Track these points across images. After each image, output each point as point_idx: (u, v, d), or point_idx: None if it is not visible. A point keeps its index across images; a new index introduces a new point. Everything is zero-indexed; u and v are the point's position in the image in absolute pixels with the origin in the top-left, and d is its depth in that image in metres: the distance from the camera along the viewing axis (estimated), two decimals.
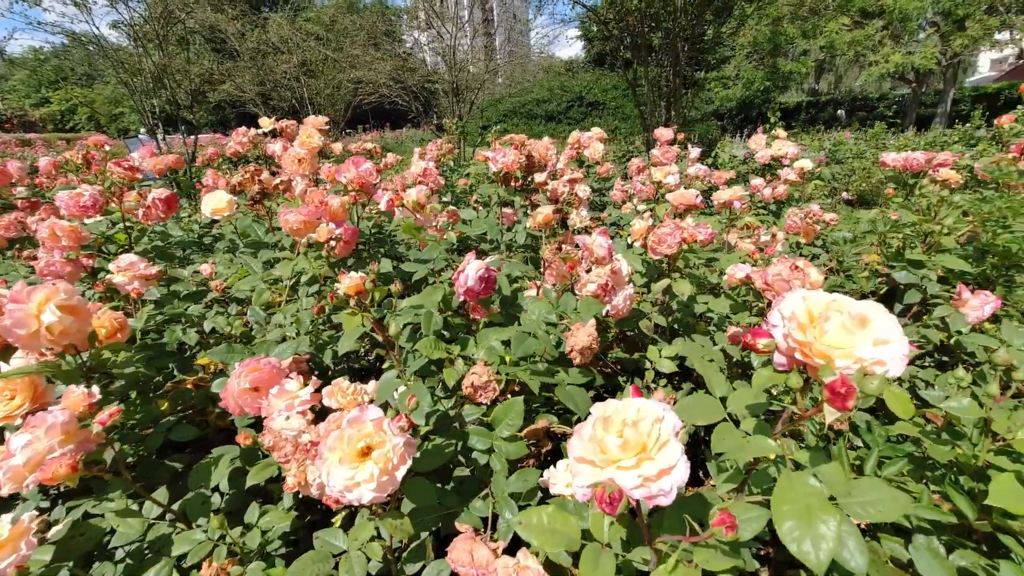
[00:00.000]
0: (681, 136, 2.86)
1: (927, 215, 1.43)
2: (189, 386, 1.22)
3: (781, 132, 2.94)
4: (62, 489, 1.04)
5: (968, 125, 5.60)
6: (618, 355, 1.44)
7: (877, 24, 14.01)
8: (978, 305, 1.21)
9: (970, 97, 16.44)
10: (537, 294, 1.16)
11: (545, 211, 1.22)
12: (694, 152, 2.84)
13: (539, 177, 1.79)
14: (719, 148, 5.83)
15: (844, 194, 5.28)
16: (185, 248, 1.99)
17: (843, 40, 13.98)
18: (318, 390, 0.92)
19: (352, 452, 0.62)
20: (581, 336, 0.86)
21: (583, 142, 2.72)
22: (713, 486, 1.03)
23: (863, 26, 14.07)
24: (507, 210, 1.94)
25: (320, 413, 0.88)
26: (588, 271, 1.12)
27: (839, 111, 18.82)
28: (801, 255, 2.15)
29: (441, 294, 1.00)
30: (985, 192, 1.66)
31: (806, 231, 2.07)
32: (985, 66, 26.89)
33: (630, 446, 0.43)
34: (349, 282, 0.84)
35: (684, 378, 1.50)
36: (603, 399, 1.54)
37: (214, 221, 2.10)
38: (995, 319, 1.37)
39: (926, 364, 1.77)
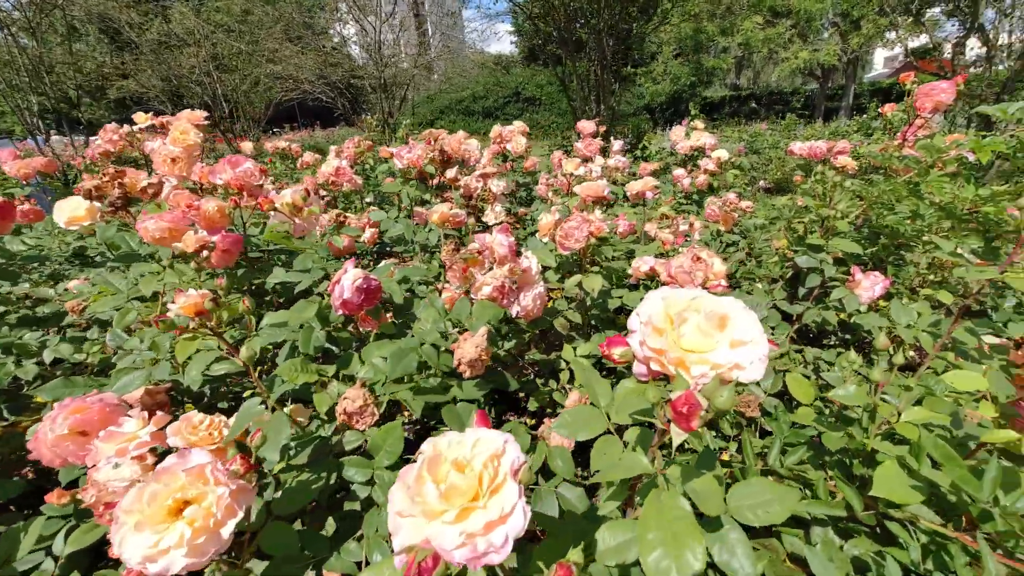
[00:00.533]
0: (603, 129, 2.87)
1: (823, 200, 1.47)
2: (26, 429, 1.03)
3: (699, 124, 3.01)
4: None
5: (865, 116, 6.09)
6: (534, 356, 1.38)
7: (786, 23, 15.06)
8: (869, 286, 1.25)
9: (868, 91, 18.03)
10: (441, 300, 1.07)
11: (441, 208, 1.13)
12: (616, 144, 2.86)
13: (450, 173, 1.69)
14: (647, 140, 6.00)
15: (762, 182, 5.57)
16: (61, 263, 1.74)
17: (757, 38, 14.92)
18: (164, 427, 0.78)
19: (159, 512, 0.50)
20: (467, 348, 0.78)
21: (505, 136, 2.64)
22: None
23: (774, 25, 15.07)
24: (420, 209, 1.84)
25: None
26: (488, 271, 1.04)
27: (755, 104, 20.08)
28: (721, 242, 2.21)
29: (316, 308, 0.88)
30: (874, 177, 1.75)
31: (724, 219, 2.12)
32: (880, 63, 29.65)
33: (456, 493, 0.35)
34: (185, 301, 0.71)
35: (605, 375, 1.47)
36: (518, 405, 1.44)
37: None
38: (889, 297, 1.43)
39: (832, 343, 1.85)
